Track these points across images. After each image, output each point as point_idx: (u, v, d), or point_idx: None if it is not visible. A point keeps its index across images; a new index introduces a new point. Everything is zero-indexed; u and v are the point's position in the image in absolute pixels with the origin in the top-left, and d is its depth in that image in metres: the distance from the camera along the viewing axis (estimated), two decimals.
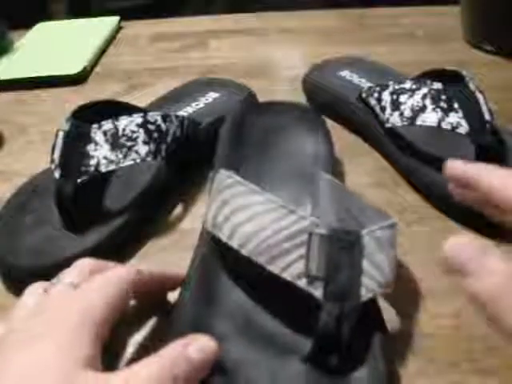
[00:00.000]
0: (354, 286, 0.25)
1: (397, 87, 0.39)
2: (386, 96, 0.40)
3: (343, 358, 0.25)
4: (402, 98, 0.38)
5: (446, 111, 0.36)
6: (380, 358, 0.25)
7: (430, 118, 0.37)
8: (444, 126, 0.36)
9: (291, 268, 0.25)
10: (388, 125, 0.39)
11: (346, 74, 0.51)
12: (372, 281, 0.25)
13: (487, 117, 0.36)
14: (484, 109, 0.36)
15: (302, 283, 0.25)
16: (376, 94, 0.41)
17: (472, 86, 0.37)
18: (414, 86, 0.38)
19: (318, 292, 0.25)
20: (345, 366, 0.25)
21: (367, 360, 0.25)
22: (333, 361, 0.25)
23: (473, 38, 0.63)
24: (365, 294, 0.25)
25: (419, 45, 0.64)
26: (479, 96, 0.37)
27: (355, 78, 0.50)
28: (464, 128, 0.36)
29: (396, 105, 0.39)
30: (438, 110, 0.37)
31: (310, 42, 0.68)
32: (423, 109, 0.37)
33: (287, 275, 0.25)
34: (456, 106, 0.36)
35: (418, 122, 0.37)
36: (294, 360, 0.25)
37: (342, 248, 0.25)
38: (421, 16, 0.73)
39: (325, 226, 0.26)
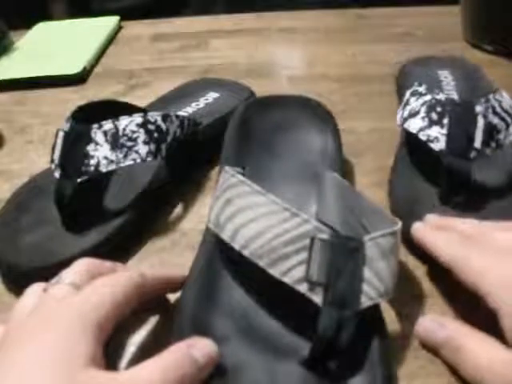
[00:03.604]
0: (354, 294, 0.25)
1: (414, 88, 0.39)
2: (407, 95, 0.39)
3: (341, 363, 0.25)
4: (412, 100, 0.38)
5: (432, 123, 0.35)
6: (378, 365, 0.25)
7: (414, 124, 0.36)
8: (421, 136, 0.35)
9: (292, 272, 0.25)
10: (398, 122, 0.39)
11: (444, 73, 0.51)
12: (372, 289, 0.25)
13: (477, 144, 0.34)
14: (477, 134, 0.34)
15: (302, 288, 0.25)
16: (405, 89, 0.40)
17: (478, 109, 0.34)
18: (424, 91, 0.37)
19: (317, 298, 0.25)
20: (343, 371, 0.25)
21: (365, 366, 0.25)
22: (331, 366, 0.25)
23: (473, 38, 0.63)
24: (364, 302, 0.25)
25: (419, 45, 0.64)
26: (480, 121, 0.34)
27: (450, 80, 0.49)
28: (439, 145, 0.34)
29: (405, 104, 0.39)
30: (426, 119, 0.36)
31: (310, 42, 0.68)
32: (415, 114, 0.37)
33: (287, 279, 0.25)
34: (445, 121, 0.35)
35: (405, 125, 0.37)
36: (293, 363, 0.25)
37: (343, 254, 0.25)
38: (420, 16, 0.73)
39: (327, 231, 0.26)
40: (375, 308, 0.27)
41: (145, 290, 0.27)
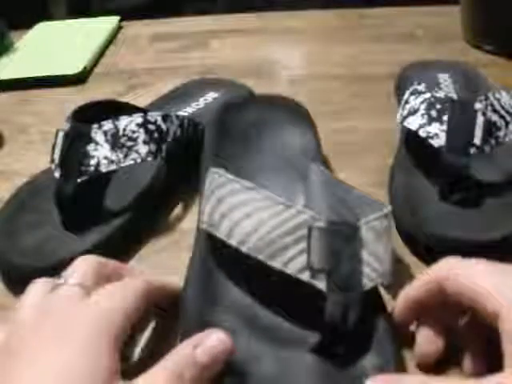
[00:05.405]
0: (356, 276, 0.26)
1: (414, 88, 0.39)
2: (407, 94, 0.39)
3: (350, 346, 0.25)
4: (411, 98, 0.38)
5: (432, 120, 0.35)
6: (387, 343, 0.25)
7: (414, 121, 0.36)
8: (421, 133, 0.35)
9: (293, 262, 0.26)
10: (398, 121, 0.39)
11: (444, 77, 0.51)
12: (372, 270, 0.26)
13: (476, 141, 0.34)
14: (477, 131, 0.34)
15: (305, 276, 0.25)
16: (404, 91, 0.40)
17: (477, 106, 0.35)
18: (423, 90, 0.37)
19: (321, 284, 0.25)
20: (353, 354, 0.25)
21: (374, 347, 0.26)
22: (340, 350, 0.25)
23: (473, 38, 0.62)
24: (367, 283, 0.26)
25: (419, 45, 0.64)
26: (479, 118, 0.34)
27: (449, 83, 0.49)
28: (439, 141, 0.34)
29: (404, 103, 0.39)
30: (426, 116, 0.36)
31: (310, 42, 0.68)
32: (415, 112, 0.37)
33: (290, 270, 0.26)
34: (445, 118, 0.35)
35: (405, 123, 0.37)
36: (302, 351, 0.25)
37: (341, 240, 0.26)
38: (421, 16, 0.73)
39: (323, 219, 0.26)
40: (374, 289, 0.27)
41: (151, 298, 0.27)
